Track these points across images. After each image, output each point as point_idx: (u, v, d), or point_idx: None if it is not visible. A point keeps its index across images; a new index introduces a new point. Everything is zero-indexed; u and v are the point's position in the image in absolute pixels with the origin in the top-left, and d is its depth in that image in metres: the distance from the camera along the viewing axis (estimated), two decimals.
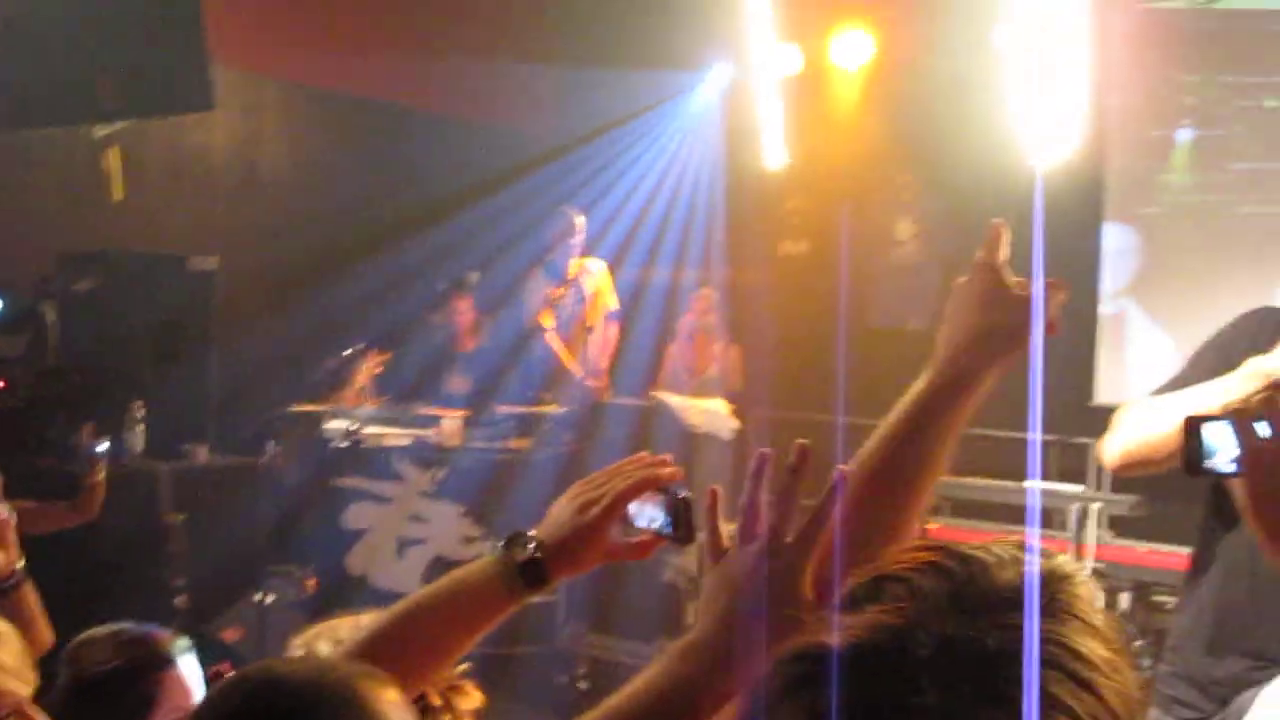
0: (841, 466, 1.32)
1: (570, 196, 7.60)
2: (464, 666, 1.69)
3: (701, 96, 8.63)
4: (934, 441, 1.44)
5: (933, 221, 8.15)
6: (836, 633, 0.86)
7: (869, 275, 8.53)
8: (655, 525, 1.52)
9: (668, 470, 1.53)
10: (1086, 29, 6.53)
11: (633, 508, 1.53)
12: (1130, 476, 2.67)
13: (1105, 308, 7.49)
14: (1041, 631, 0.84)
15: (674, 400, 6.85)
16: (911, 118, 7.72)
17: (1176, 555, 5.22)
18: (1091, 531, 5.89)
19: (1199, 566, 2.54)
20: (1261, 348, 2.30)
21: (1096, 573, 5.67)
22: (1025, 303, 1.40)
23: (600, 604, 6.01)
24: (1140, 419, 2.45)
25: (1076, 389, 7.11)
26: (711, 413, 6.72)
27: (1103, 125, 7.09)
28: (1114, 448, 2.49)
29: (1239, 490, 1.35)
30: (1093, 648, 0.86)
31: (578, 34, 8.18)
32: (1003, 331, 1.44)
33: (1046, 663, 0.83)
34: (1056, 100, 6.63)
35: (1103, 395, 7.18)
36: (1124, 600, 5.61)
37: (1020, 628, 0.83)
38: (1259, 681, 2.22)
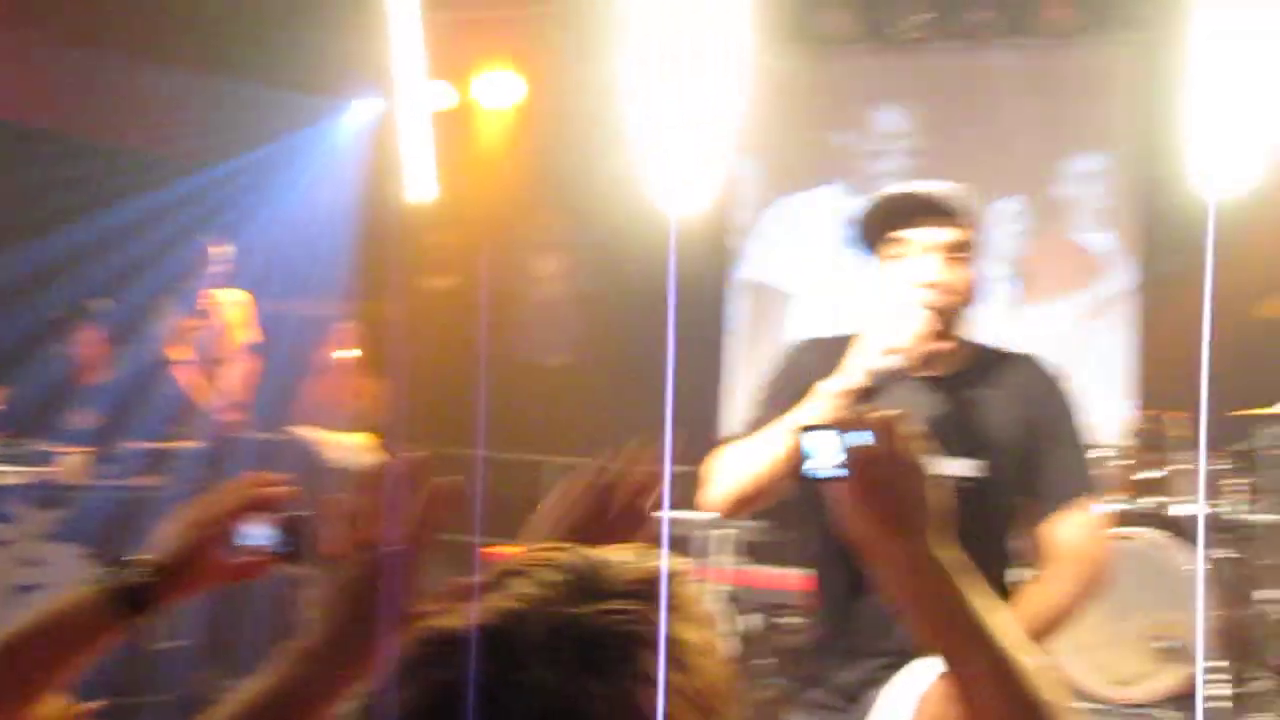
0: (451, 478, 1.36)
1: (206, 222, 7.31)
2: (91, 706, 1.61)
3: (348, 125, 8.52)
4: None
5: (574, 259, 8.32)
6: (457, 618, 0.95)
7: (512, 311, 8.62)
8: (269, 544, 1.52)
9: (278, 489, 1.53)
10: (726, 78, 6.83)
11: (247, 528, 1.52)
12: (744, 514, 2.84)
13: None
14: (641, 617, 0.95)
15: (312, 435, 6.73)
16: (558, 158, 7.88)
17: (805, 578, 5.47)
18: (725, 557, 6.12)
19: (823, 583, 2.72)
20: (823, 375, 2.51)
21: (731, 597, 5.90)
22: (624, 520, 1.58)
23: (234, 646, 5.83)
24: (733, 463, 2.62)
25: (706, 423, 7.38)
26: (350, 447, 6.64)
27: (741, 172, 7.44)
28: (717, 495, 2.65)
29: (841, 496, 1.44)
30: (686, 632, 0.97)
31: (216, 51, 7.93)
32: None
33: (643, 643, 0.94)
34: (696, 145, 6.89)
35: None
36: (757, 621, 5.85)
37: (623, 613, 0.95)
38: (885, 680, 2.45)
